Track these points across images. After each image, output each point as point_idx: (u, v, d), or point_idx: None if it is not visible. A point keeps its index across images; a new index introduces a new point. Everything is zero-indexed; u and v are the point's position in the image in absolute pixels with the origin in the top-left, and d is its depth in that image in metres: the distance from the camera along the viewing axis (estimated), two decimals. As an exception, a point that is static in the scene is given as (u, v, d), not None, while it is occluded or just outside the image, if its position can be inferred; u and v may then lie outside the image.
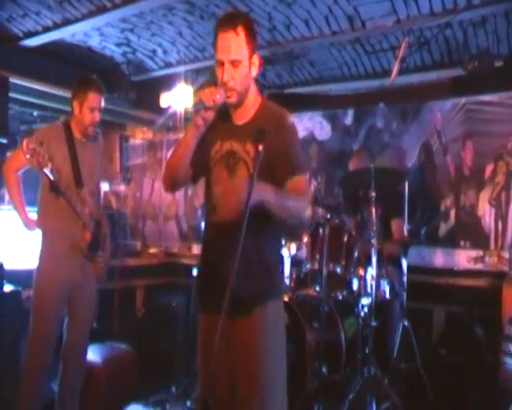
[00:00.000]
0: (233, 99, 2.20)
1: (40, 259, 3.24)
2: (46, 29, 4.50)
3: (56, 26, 4.43)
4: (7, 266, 4.00)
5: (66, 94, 3.76)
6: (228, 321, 2.03)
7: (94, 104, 3.24)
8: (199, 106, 2.14)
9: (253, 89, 2.30)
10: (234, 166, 2.24)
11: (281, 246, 3.59)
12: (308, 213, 2.18)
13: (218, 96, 2.13)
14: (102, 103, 3.31)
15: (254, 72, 2.25)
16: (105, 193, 3.94)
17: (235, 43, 2.14)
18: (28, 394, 3.13)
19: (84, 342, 3.34)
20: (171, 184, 2.41)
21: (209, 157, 2.30)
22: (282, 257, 2.30)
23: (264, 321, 2.18)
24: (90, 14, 4.21)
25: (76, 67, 5.08)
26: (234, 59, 2.14)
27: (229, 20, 2.16)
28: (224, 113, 2.29)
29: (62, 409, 3.26)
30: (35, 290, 3.20)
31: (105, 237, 3.47)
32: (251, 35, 2.19)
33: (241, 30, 2.14)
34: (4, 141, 4.62)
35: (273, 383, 2.16)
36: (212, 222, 2.28)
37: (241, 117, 2.29)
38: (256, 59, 2.23)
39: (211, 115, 2.18)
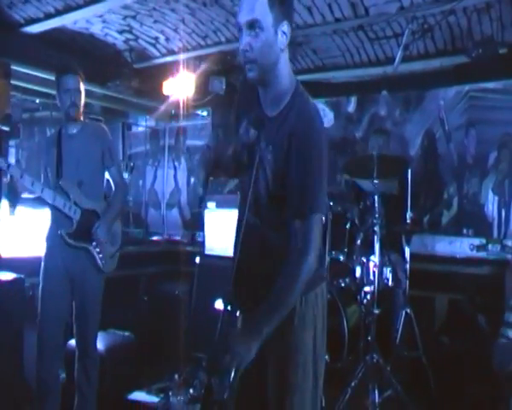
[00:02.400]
0: (253, 74, 1.79)
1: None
2: (48, 16, 4.48)
3: (58, 13, 4.41)
4: (11, 255, 4.03)
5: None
6: None
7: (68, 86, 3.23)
8: None
9: (286, 68, 1.85)
10: (256, 173, 1.87)
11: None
12: (308, 272, 1.79)
13: None
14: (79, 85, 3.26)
15: (283, 43, 1.80)
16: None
17: (253, 3, 1.74)
18: (40, 377, 3.20)
19: (90, 330, 3.35)
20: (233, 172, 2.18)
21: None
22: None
23: (293, 317, 1.91)
24: (92, 1, 4.19)
25: (78, 55, 5.06)
26: (250, 19, 1.74)
27: None
28: (253, 91, 1.91)
29: (80, 397, 3.31)
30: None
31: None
32: None
33: None
34: (7, 129, 4.60)
35: (301, 383, 1.93)
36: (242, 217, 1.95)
37: (271, 104, 1.89)
38: (287, 27, 1.80)
39: None
